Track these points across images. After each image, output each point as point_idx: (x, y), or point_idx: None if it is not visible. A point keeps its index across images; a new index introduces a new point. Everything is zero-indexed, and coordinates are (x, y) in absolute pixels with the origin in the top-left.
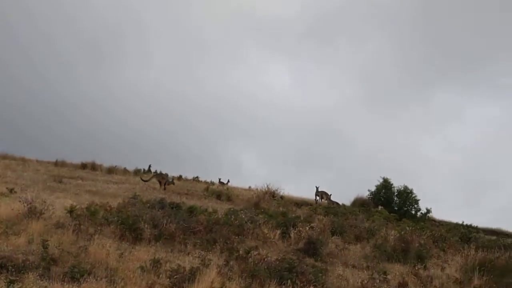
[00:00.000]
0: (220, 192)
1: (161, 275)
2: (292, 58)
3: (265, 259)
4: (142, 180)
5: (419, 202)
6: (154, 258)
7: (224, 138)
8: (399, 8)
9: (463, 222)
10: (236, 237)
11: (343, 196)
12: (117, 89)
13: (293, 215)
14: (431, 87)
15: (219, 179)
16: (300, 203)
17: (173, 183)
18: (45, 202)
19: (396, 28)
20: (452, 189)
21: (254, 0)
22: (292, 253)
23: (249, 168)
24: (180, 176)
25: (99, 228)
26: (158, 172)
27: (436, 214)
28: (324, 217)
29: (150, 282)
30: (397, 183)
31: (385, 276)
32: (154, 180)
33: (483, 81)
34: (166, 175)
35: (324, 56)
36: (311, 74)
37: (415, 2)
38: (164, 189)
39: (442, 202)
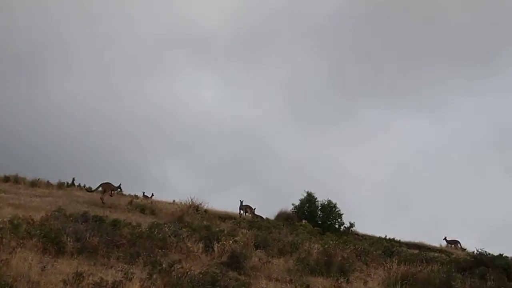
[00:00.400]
0: (144, 205)
1: None
2: (220, 70)
3: (188, 273)
4: (88, 191)
5: (343, 216)
6: (77, 271)
7: (148, 150)
8: (326, 23)
9: (386, 236)
10: (160, 251)
11: (268, 210)
12: (37, 102)
13: (217, 228)
14: (357, 101)
15: (143, 193)
16: (224, 217)
17: (121, 189)
18: None
19: (324, 42)
20: (376, 203)
21: (184, 11)
22: (215, 267)
23: (175, 181)
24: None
25: (21, 241)
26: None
27: (361, 228)
28: (248, 231)
29: None
30: (322, 197)
31: None
32: (100, 189)
33: (409, 94)
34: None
35: (252, 69)
36: (239, 87)
37: (342, 18)
38: (111, 195)
39: (367, 216)
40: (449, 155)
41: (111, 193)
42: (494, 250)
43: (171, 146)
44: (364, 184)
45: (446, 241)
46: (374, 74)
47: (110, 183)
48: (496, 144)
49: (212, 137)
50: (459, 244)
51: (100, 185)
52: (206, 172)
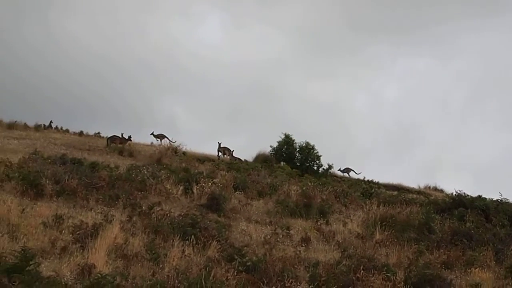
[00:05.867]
0: (122, 148)
1: (63, 231)
2: (230, 11)
3: (168, 215)
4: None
5: (321, 158)
6: (56, 214)
7: (157, 92)
8: None
9: (364, 178)
10: (139, 193)
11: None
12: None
13: (196, 171)
14: (364, 38)
15: (122, 134)
16: (202, 159)
17: (130, 140)
18: None
19: None
20: (377, 144)
21: None
22: (195, 209)
23: (183, 122)
24: (81, 132)
25: None
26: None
27: (367, 172)
28: (227, 173)
29: (52, 238)
30: (299, 139)
31: (288, 231)
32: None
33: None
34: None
35: (258, 9)
36: (245, 29)
37: None
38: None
39: (368, 158)
40: (453, 95)
41: (122, 144)
42: (488, 192)
43: (173, 87)
44: (366, 124)
45: (340, 170)
46: (384, 12)
47: (117, 136)
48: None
49: (218, 79)
50: (353, 172)
51: (108, 139)
52: (210, 114)
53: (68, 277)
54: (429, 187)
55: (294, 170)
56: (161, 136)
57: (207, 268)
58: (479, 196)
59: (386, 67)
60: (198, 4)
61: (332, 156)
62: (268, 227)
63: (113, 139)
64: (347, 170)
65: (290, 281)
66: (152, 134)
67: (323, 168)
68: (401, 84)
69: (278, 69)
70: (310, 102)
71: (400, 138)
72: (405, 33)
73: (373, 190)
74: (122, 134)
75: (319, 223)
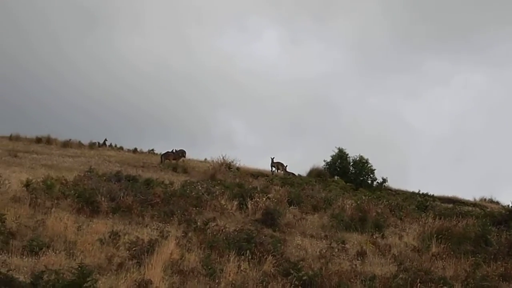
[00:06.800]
0: (176, 164)
1: (120, 247)
2: (286, 26)
3: (223, 230)
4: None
5: (375, 171)
6: (112, 230)
7: (211, 108)
8: None
9: (419, 190)
10: (194, 209)
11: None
12: (103, 58)
13: (250, 186)
14: (421, 52)
15: (173, 150)
16: (256, 174)
17: (184, 156)
18: (0, 176)
19: None
20: (434, 157)
21: None
22: (250, 224)
23: (240, 138)
24: (135, 149)
25: (56, 201)
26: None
27: (422, 183)
28: (281, 187)
29: (109, 254)
30: (353, 153)
31: (343, 245)
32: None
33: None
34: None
35: (314, 25)
36: (302, 45)
37: None
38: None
39: (425, 170)
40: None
41: (176, 160)
42: None
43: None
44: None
45: (272, 161)
46: (441, 26)
47: (171, 152)
48: None
49: (273, 94)
50: (283, 167)
51: (162, 156)
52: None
53: None
54: (485, 199)
55: (348, 184)
56: (279, 165)
57: (263, 283)
58: None
59: (443, 80)
60: (255, 18)
61: (389, 170)
62: (323, 241)
63: (167, 155)
64: (280, 164)
65: None
66: (272, 159)
67: (377, 182)
68: (458, 96)
69: (334, 84)
70: (366, 116)
71: (456, 151)
72: (462, 46)
73: (428, 203)
74: (173, 150)
75: (374, 237)
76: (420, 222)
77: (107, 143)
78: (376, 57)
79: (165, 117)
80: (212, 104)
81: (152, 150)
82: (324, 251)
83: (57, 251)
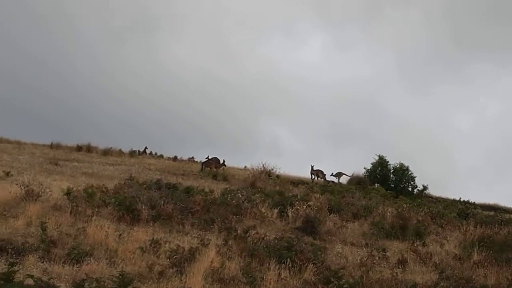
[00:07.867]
0: (216, 172)
1: (160, 256)
2: (332, 33)
3: (264, 238)
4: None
5: (415, 179)
6: (153, 238)
7: (256, 114)
8: None
9: (460, 198)
10: (234, 217)
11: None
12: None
13: (290, 194)
14: (467, 56)
15: (209, 157)
16: (296, 182)
17: (225, 165)
18: (41, 184)
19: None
20: (482, 164)
21: None
22: (290, 232)
23: (285, 145)
24: (175, 157)
25: (96, 209)
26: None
27: (471, 192)
28: (321, 195)
29: (150, 262)
30: (396, 159)
31: (384, 253)
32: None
33: None
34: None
35: (360, 32)
36: (347, 52)
37: None
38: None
39: (472, 177)
40: None
41: (216, 169)
42: None
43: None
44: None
45: (332, 175)
46: (488, 30)
47: (211, 161)
48: None
49: (318, 99)
50: (344, 175)
51: (203, 164)
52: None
53: None
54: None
55: (388, 191)
56: (339, 175)
57: None
58: None
59: (489, 84)
60: (302, 23)
61: (432, 177)
62: (364, 249)
63: (207, 163)
64: (339, 174)
65: None
66: (331, 175)
67: (418, 189)
68: (505, 101)
69: (379, 88)
70: (411, 121)
71: (502, 158)
72: (509, 50)
73: (469, 210)
74: (207, 157)
75: (415, 245)
76: (461, 230)
77: (147, 151)
78: (423, 60)
79: (206, 124)
80: (256, 111)
81: (192, 158)
82: (365, 259)
83: (98, 259)
